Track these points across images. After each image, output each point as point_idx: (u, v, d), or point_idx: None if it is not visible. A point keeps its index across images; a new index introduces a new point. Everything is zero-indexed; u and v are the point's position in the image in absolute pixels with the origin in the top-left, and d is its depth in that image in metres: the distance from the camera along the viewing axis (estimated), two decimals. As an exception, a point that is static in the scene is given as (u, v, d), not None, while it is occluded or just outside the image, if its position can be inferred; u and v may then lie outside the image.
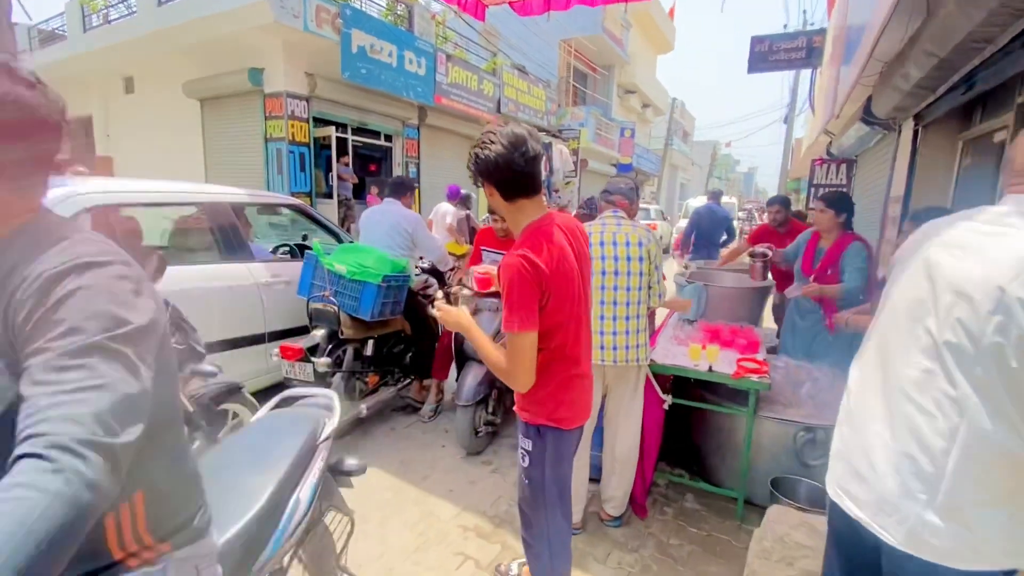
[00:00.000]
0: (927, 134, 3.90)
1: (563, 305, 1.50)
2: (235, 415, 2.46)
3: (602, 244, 2.29)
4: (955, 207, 4.00)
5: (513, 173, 1.42)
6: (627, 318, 2.29)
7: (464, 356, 3.26)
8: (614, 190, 2.58)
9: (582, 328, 1.62)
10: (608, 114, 17.16)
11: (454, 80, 11.01)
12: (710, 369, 2.52)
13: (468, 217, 6.92)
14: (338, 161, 9.62)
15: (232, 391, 2.37)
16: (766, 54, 7.09)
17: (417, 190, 11.44)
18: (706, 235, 5.95)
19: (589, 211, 3.86)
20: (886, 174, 4.97)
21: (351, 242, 4.14)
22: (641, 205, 6.45)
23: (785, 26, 14.03)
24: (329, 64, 8.10)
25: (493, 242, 3.54)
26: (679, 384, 2.73)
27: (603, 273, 2.28)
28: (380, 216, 3.57)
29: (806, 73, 17.47)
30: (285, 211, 3.94)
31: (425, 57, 10.11)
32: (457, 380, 3.17)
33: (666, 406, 2.59)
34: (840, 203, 3.09)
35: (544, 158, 1.58)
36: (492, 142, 1.41)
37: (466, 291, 3.29)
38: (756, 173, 65.83)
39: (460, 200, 6.90)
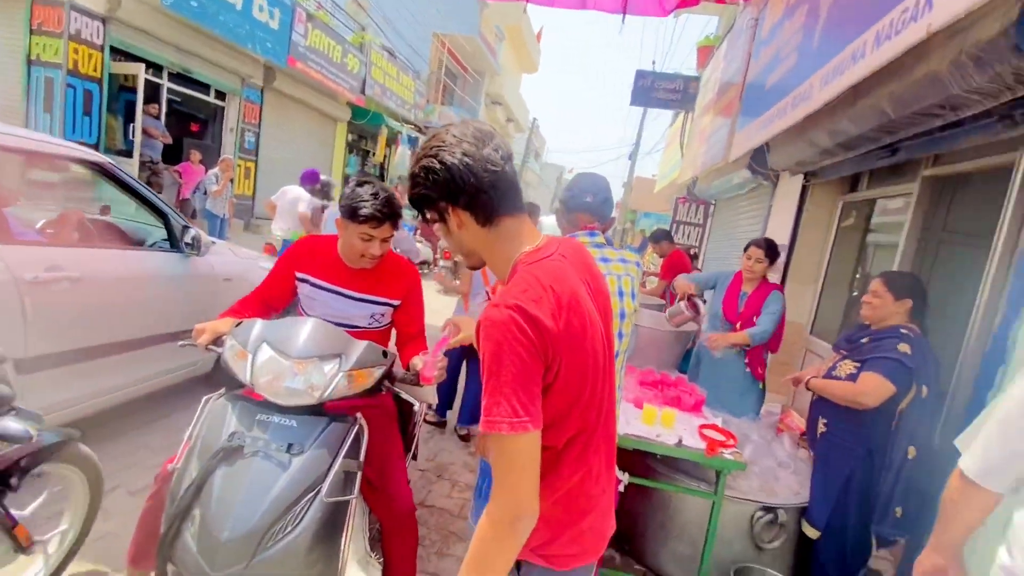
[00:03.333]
0: (815, 191, 4.13)
1: (577, 382, 0.92)
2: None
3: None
4: (831, 264, 4.34)
5: (492, 179, 0.91)
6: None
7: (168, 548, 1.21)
8: (577, 206, 1.72)
9: (604, 417, 1.02)
10: (474, 120, 16.83)
11: (314, 44, 9.48)
12: (680, 443, 2.05)
13: (325, 210, 5.71)
14: (144, 111, 7.41)
15: (52, 449, 1.53)
16: (649, 89, 7.33)
17: (254, 164, 9.53)
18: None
19: None
20: (757, 221, 5.29)
21: (184, 223, 2.84)
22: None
23: (653, 63, 15.37)
24: (145, -20, 6.16)
25: (327, 269, 1.76)
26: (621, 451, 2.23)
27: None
28: None
29: (651, 116, 19.37)
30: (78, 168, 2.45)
31: (280, 8, 8.49)
32: None
33: (622, 487, 2.05)
34: (774, 254, 2.99)
35: None
36: (446, 143, 0.91)
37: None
38: (590, 200, 72.47)
39: (319, 187, 5.68)
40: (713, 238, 7.17)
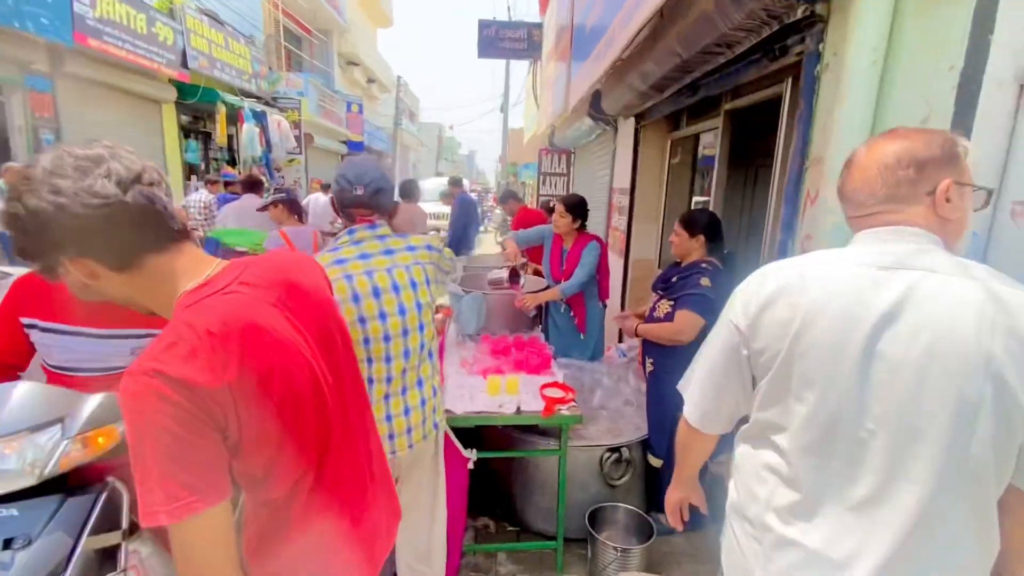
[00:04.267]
0: (646, 132, 4.30)
1: (276, 426, 0.80)
2: None
3: (376, 295, 1.50)
4: (668, 199, 4.61)
5: (105, 214, 0.72)
6: (420, 383, 1.62)
7: None
8: (349, 202, 1.52)
9: (338, 447, 0.92)
10: (331, 85, 15.50)
11: (106, 14, 8.04)
12: (518, 410, 2.08)
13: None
14: None
15: None
16: (494, 39, 7.13)
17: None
18: (463, 232, 5.69)
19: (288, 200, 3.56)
20: (607, 166, 5.46)
21: None
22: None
23: (509, 8, 15.06)
24: None
25: (59, 307, 1.36)
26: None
27: (386, 339, 1.51)
28: None
29: (516, 65, 19.22)
30: None
31: (48, -27, 7.03)
32: None
33: (471, 464, 2.06)
34: (577, 209, 3.04)
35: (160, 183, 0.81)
36: (31, 181, 0.71)
37: None
38: (476, 156, 71.52)
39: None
40: (577, 186, 7.36)
